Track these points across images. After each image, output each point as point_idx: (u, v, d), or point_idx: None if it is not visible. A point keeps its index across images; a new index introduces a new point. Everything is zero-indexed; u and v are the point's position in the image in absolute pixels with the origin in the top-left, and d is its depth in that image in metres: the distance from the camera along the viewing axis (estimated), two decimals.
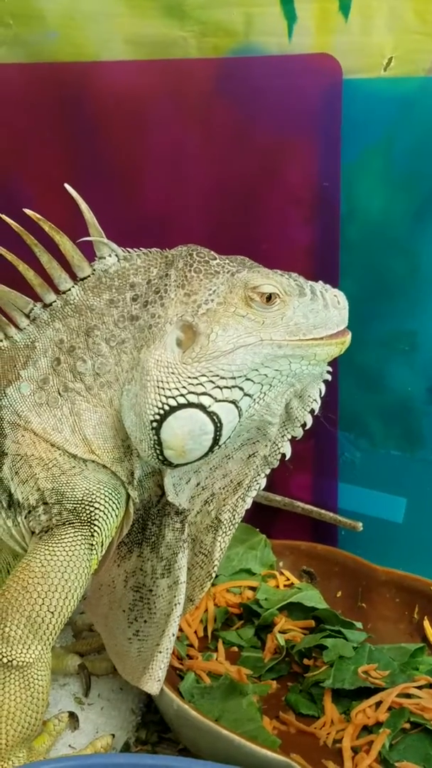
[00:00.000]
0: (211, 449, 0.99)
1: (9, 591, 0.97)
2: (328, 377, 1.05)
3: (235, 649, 1.29)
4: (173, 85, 1.39)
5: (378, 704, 1.15)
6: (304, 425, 1.06)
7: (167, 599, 1.07)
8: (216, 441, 0.98)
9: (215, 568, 1.10)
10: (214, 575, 1.10)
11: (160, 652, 1.06)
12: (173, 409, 0.97)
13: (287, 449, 1.07)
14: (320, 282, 1.03)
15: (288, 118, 1.36)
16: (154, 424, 0.97)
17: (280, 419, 1.03)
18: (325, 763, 1.08)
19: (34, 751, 1.03)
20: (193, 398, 0.96)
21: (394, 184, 1.36)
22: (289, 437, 1.06)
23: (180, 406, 0.96)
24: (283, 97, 1.36)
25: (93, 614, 1.18)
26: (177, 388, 0.96)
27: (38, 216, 1.04)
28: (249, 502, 1.09)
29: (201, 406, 0.97)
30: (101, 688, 1.19)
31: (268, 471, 1.08)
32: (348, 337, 1.03)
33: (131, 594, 1.11)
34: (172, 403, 0.96)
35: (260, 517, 1.50)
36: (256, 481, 1.08)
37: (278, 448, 1.07)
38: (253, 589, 1.38)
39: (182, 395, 0.96)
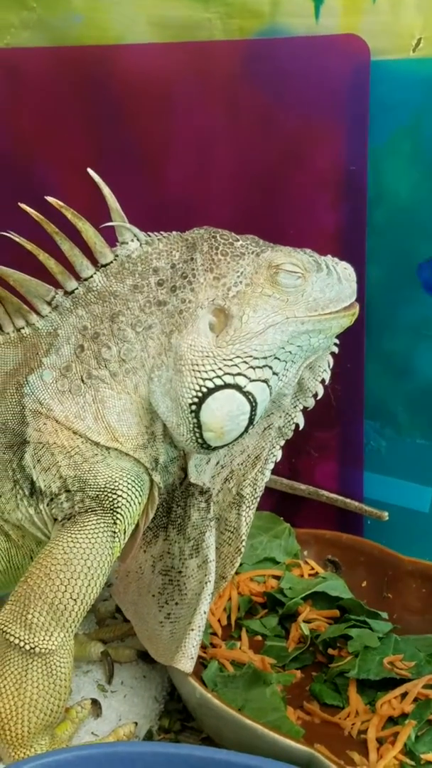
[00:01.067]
0: (246, 429, 1.00)
1: (32, 578, 0.96)
2: (335, 349, 1.07)
3: (259, 638, 1.29)
4: (198, 68, 1.37)
5: (404, 695, 1.13)
6: (315, 395, 1.08)
7: (198, 579, 1.07)
8: (251, 420, 0.99)
9: (243, 543, 1.11)
10: (243, 550, 1.11)
11: (192, 630, 1.05)
12: (211, 391, 0.97)
13: (300, 419, 1.09)
14: (329, 255, 1.05)
15: (315, 100, 1.34)
16: (193, 407, 0.97)
17: (293, 390, 1.05)
18: (349, 754, 1.07)
19: (56, 738, 1.03)
20: (229, 379, 0.97)
21: (423, 167, 1.34)
22: (302, 407, 1.08)
23: (217, 388, 0.97)
24: (309, 80, 1.34)
25: (121, 602, 1.18)
26: (213, 370, 0.97)
27: (60, 203, 1.03)
28: (268, 474, 1.11)
29: (237, 387, 0.98)
30: (124, 675, 1.19)
31: (282, 442, 1.10)
32: (357, 309, 1.04)
33: (160, 578, 1.10)
34: (210, 385, 0.97)
35: (285, 506, 1.50)
36: (272, 453, 1.10)
37: (292, 419, 1.09)
38: (277, 578, 1.36)
39: (218, 377, 0.97)
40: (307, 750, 0.95)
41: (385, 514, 1.45)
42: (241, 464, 1.09)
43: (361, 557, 1.39)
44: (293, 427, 1.09)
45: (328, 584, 1.33)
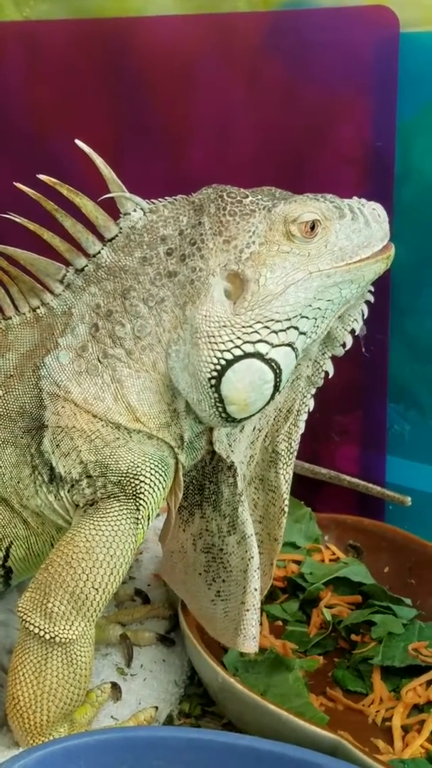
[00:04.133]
0: (272, 397, 0.96)
1: (52, 566, 0.94)
2: (371, 297, 1.02)
3: (280, 623, 1.26)
4: (221, 41, 1.34)
5: (429, 683, 1.11)
6: (344, 344, 1.03)
7: (239, 555, 1.04)
8: (276, 388, 0.95)
9: (285, 502, 1.07)
10: (286, 509, 1.08)
11: (248, 610, 1.03)
12: (230, 363, 0.93)
13: (329, 367, 1.05)
14: (354, 198, 0.99)
15: (341, 74, 1.31)
16: (213, 381, 0.93)
17: (320, 339, 1.01)
18: (374, 741, 1.05)
19: (76, 723, 1.01)
20: (248, 347, 0.93)
21: None
22: (329, 355, 1.04)
23: (236, 359, 0.93)
24: (335, 53, 1.31)
25: (171, 582, 1.16)
26: (231, 340, 0.93)
27: (54, 180, 0.98)
28: (302, 426, 1.07)
29: (258, 355, 0.93)
30: (144, 659, 1.17)
31: (314, 391, 1.06)
32: (393, 251, 0.99)
33: (203, 556, 1.08)
34: (228, 356, 0.93)
35: (305, 490, 1.47)
36: (304, 403, 1.06)
37: (321, 366, 1.04)
38: (298, 562, 1.34)
39: (237, 346, 0.93)
40: (333, 737, 0.93)
41: (408, 499, 1.42)
42: (274, 420, 1.06)
43: (383, 542, 1.37)
44: (322, 375, 1.05)
45: (350, 569, 1.31)
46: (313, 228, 0.94)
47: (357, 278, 0.96)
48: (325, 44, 1.31)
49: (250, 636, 1.03)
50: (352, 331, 1.02)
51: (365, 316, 1.03)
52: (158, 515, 1.03)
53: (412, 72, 1.27)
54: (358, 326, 1.02)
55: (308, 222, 0.93)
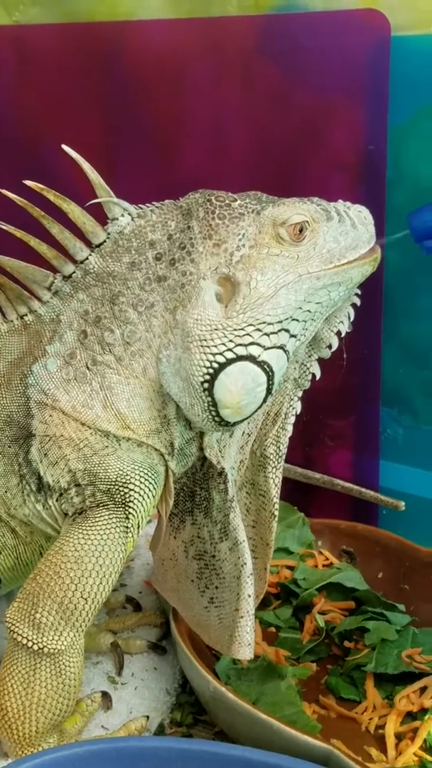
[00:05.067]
0: (264, 400, 0.95)
1: (41, 575, 0.93)
2: (357, 300, 1.01)
3: (273, 629, 1.25)
4: (212, 45, 1.34)
5: (423, 690, 1.10)
6: (330, 346, 1.03)
7: (232, 561, 1.04)
8: (269, 390, 0.95)
9: (275, 507, 1.07)
10: (276, 514, 1.07)
11: (242, 616, 1.02)
12: (222, 366, 0.92)
13: (316, 369, 1.04)
14: (340, 201, 0.99)
15: (333, 78, 1.31)
16: (206, 385, 0.93)
17: (307, 342, 1.00)
18: (367, 749, 1.04)
19: (65, 733, 1.00)
20: (241, 350, 0.92)
21: None
22: (316, 357, 1.04)
23: (229, 362, 0.92)
24: (327, 56, 1.30)
25: (163, 590, 1.15)
26: (223, 343, 0.92)
27: (40, 186, 0.97)
28: (290, 429, 1.06)
29: (251, 358, 0.93)
30: (135, 667, 1.16)
31: (300, 393, 1.06)
32: (379, 253, 0.99)
33: (195, 563, 1.07)
34: (221, 359, 0.92)
35: (298, 495, 1.47)
36: (291, 406, 1.05)
37: (307, 369, 1.04)
38: (291, 568, 1.33)
39: (229, 349, 0.92)
40: (325, 747, 0.92)
41: (402, 504, 1.42)
42: (262, 423, 1.06)
43: (377, 548, 1.36)
44: (309, 377, 1.04)
45: (343, 575, 1.30)
46: (301, 231, 0.94)
47: (345, 280, 0.96)
48: (318, 48, 1.30)
49: (245, 643, 1.02)
50: (338, 333, 1.02)
51: (351, 319, 1.02)
52: (149, 522, 1.02)
53: (404, 76, 1.27)
54: (344, 328, 1.02)
55: (297, 224, 0.93)
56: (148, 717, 1.06)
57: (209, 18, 1.33)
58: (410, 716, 1.08)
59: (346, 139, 1.31)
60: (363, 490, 1.45)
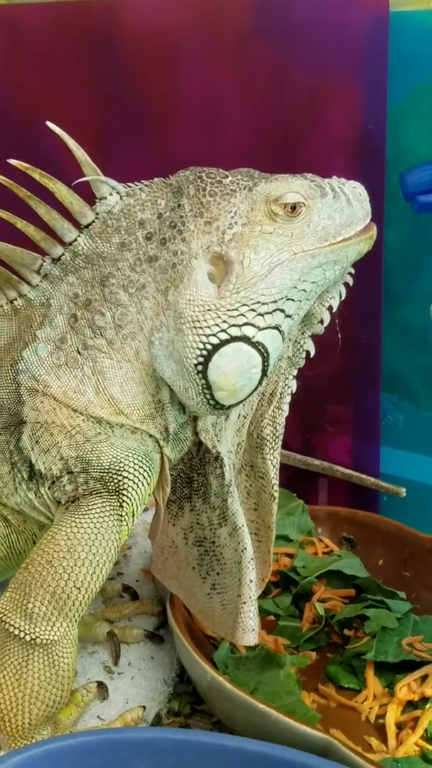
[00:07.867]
0: (260, 382, 0.94)
1: (33, 565, 0.91)
2: (350, 279, 0.99)
3: (272, 618, 1.24)
4: (207, 22, 1.32)
5: (424, 678, 1.09)
6: (321, 321, 1.01)
7: (232, 547, 1.02)
8: (264, 372, 0.93)
9: (275, 488, 1.05)
10: (276, 495, 1.05)
11: (245, 602, 1.01)
12: (216, 347, 0.90)
13: (310, 346, 1.02)
14: (334, 177, 0.97)
15: (330, 55, 1.29)
16: (199, 368, 0.91)
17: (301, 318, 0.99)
18: (367, 739, 1.03)
19: (60, 724, 0.98)
20: (235, 331, 0.90)
21: None
22: (309, 334, 1.02)
23: (223, 343, 0.90)
24: (325, 33, 1.28)
25: (163, 578, 1.13)
26: (216, 324, 0.90)
27: (25, 165, 0.95)
28: (286, 409, 1.04)
29: (245, 338, 0.91)
30: (131, 656, 1.15)
31: (295, 372, 1.04)
32: (374, 230, 0.96)
33: (195, 549, 1.06)
34: (214, 341, 0.90)
35: (298, 482, 1.45)
36: (287, 385, 1.04)
37: (301, 346, 1.02)
38: (291, 556, 1.32)
39: (223, 330, 0.90)
40: (323, 737, 0.91)
41: (403, 490, 1.40)
42: (258, 404, 1.04)
43: (377, 535, 1.35)
44: (303, 354, 1.02)
45: (343, 562, 1.29)
46: (294, 208, 0.91)
47: (341, 258, 0.94)
48: (314, 25, 1.28)
49: (249, 628, 1.01)
50: (330, 308, 1.00)
51: (343, 297, 1.00)
52: (146, 510, 1.00)
53: (402, 53, 1.25)
54: (336, 303, 1.00)
55: (290, 203, 0.91)
56: (144, 707, 1.05)
57: None
58: (411, 705, 1.07)
59: (345, 117, 1.29)
60: (363, 476, 1.44)
